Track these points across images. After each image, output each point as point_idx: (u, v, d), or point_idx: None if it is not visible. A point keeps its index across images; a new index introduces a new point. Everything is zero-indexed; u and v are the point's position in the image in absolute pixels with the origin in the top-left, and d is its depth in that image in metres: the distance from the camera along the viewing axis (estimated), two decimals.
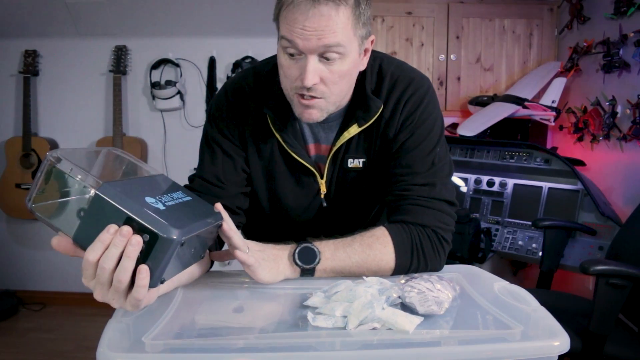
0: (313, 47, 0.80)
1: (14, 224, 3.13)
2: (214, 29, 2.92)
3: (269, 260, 0.81)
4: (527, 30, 2.74)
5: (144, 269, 0.60)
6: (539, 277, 2.08)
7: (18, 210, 2.93)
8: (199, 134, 1.07)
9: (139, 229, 0.59)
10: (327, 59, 0.82)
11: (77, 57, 3.01)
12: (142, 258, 0.60)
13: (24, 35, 2.96)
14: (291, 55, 0.83)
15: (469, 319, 0.69)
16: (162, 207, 0.63)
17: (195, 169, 1.03)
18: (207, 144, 1.00)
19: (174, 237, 0.59)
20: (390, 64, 0.98)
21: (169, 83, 2.93)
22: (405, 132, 0.95)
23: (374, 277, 0.79)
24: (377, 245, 0.87)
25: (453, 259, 2.16)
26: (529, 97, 2.52)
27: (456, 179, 2.59)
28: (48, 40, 2.98)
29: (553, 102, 2.51)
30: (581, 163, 2.41)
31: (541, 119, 2.54)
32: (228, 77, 2.94)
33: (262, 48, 2.93)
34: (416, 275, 0.79)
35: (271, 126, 0.96)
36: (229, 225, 0.76)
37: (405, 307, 0.70)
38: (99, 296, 0.63)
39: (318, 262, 0.84)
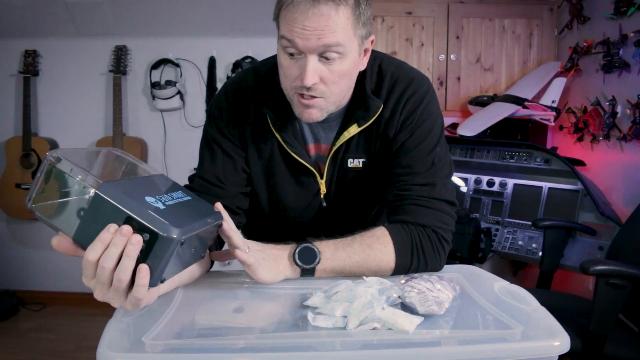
0: (313, 47, 0.80)
1: (14, 224, 3.13)
2: (214, 29, 2.92)
3: (269, 260, 0.81)
4: (527, 30, 2.74)
5: (144, 268, 0.60)
6: (539, 277, 2.08)
7: (18, 210, 2.93)
8: (199, 134, 1.07)
9: (139, 228, 0.59)
10: (327, 59, 0.82)
11: (77, 57, 3.01)
12: (142, 257, 0.60)
13: (24, 35, 2.96)
14: (291, 54, 0.83)
15: (469, 319, 0.69)
16: (162, 207, 0.63)
17: (195, 169, 1.03)
18: (207, 144, 1.00)
19: (174, 236, 0.59)
20: (390, 64, 0.98)
21: (169, 83, 2.93)
22: (405, 132, 0.95)
23: (374, 277, 0.79)
24: (377, 245, 0.87)
25: (453, 259, 2.16)
26: (529, 97, 2.52)
27: (456, 179, 2.59)
28: (48, 40, 2.98)
29: (553, 102, 2.51)
30: (581, 163, 2.41)
31: (541, 119, 2.54)
32: (228, 77, 2.94)
33: (262, 48, 2.93)
34: (416, 275, 0.79)
35: (271, 126, 0.96)
36: (229, 224, 0.76)
37: (405, 307, 0.70)
38: (99, 296, 0.63)
39: (318, 262, 0.84)
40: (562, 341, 0.60)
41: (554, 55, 2.76)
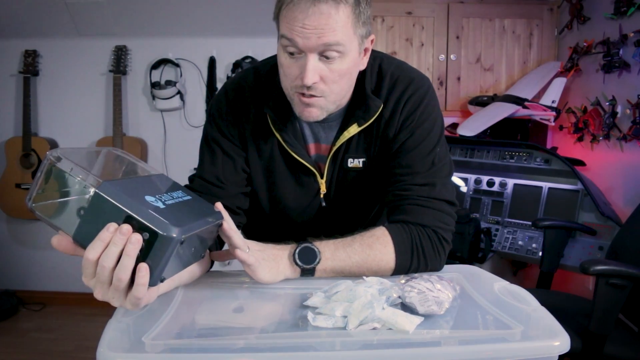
0: (313, 46, 0.80)
1: (14, 224, 3.13)
2: (214, 29, 2.92)
3: (269, 260, 0.81)
4: (527, 30, 2.74)
5: (143, 267, 0.60)
6: (539, 277, 2.08)
7: (18, 210, 2.93)
8: (199, 134, 1.07)
9: (138, 228, 0.59)
10: (327, 58, 0.82)
11: (77, 57, 3.01)
12: (142, 256, 0.60)
13: (24, 35, 2.96)
14: (291, 54, 0.83)
15: (469, 319, 0.69)
16: (162, 206, 0.63)
17: (195, 169, 1.03)
18: (207, 144, 1.00)
19: (174, 236, 0.59)
20: (390, 64, 0.98)
21: (169, 83, 2.93)
22: (405, 132, 0.95)
23: (374, 277, 0.78)
24: (377, 245, 0.87)
25: (453, 259, 2.16)
26: (529, 97, 2.52)
27: (456, 179, 2.59)
28: (48, 40, 2.98)
29: (553, 102, 2.51)
30: (581, 163, 2.41)
31: (541, 119, 2.54)
32: (228, 77, 2.94)
33: (262, 48, 2.93)
34: (416, 275, 0.79)
35: (271, 126, 0.96)
36: (229, 224, 0.76)
37: (405, 307, 0.70)
38: (99, 295, 0.63)
39: (318, 262, 0.84)
40: (562, 341, 0.60)
41: (554, 55, 2.76)
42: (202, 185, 0.97)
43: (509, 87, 2.74)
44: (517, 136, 2.70)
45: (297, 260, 0.83)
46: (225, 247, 0.83)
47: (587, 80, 2.45)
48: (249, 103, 0.98)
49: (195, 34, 2.95)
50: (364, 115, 0.94)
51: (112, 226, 0.59)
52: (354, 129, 0.95)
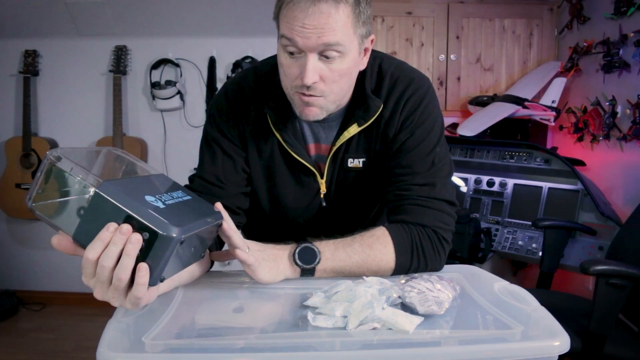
0: (313, 45, 0.80)
1: (14, 224, 3.13)
2: (214, 29, 2.92)
3: (269, 260, 0.81)
4: (527, 30, 2.74)
5: (143, 267, 0.60)
6: (539, 277, 2.08)
7: (18, 210, 2.93)
8: (199, 134, 1.07)
9: (138, 227, 0.59)
10: (327, 58, 0.82)
11: (77, 57, 3.01)
12: (142, 256, 0.60)
13: (24, 35, 2.96)
14: (291, 53, 0.83)
15: (469, 319, 0.69)
16: (161, 206, 0.63)
17: (195, 169, 1.03)
18: (207, 144, 1.00)
19: (174, 235, 0.59)
20: (390, 64, 0.98)
21: (169, 83, 2.93)
22: (405, 132, 0.95)
23: (374, 277, 0.78)
24: (377, 245, 0.87)
25: (453, 259, 2.16)
26: (529, 97, 2.52)
27: (456, 179, 2.59)
28: (48, 40, 2.98)
29: (553, 102, 2.51)
30: (581, 163, 2.41)
31: (541, 119, 2.54)
32: (228, 77, 2.94)
33: (262, 48, 2.93)
34: (416, 275, 0.79)
35: (271, 126, 0.96)
36: (228, 224, 0.76)
37: (405, 307, 0.70)
38: (98, 295, 0.63)
39: (318, 262, 0.84)
40: (562, 341, 0.60)
41: (554, 55, 2.76)
42: (202, 185, 0.97)
43: (509, 87, 2.74)
44: (517, 136, 2.70)
45: (297, 260, 0.83)
46: (225, 247, 0.83)
47: (587, 80, 2.45)
48: (249, 103, 0.98)
49: (195, 34, 2.95)
50: (364, 115, 0.94)
51: (112, 226, 0.59)
52: (354, 129, 0.95)
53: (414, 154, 0.94)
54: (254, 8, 2.75)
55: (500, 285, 0.79)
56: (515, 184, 2.46)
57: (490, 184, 2.51)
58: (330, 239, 0.88)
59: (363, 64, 0.92)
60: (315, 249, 0.84)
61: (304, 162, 0.98)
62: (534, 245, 2.29)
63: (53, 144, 3.00)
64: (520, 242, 2.34)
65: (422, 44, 2.76)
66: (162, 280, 0.64)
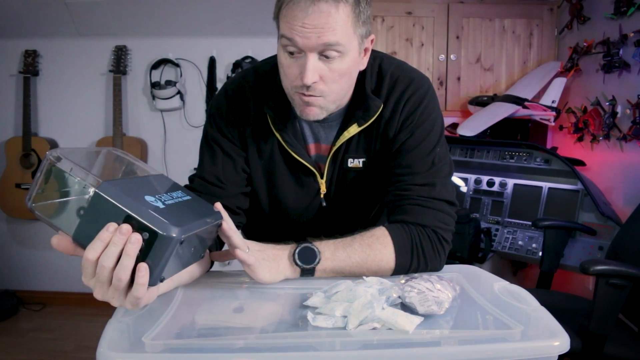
0: (313, 45, 0.80)
1: (14, 224, 3.13)
2: (214, 29, 2.92)
3: (269, 260, 0.81)
4: (527, 30, 2.74)
5: (143, 267, 0.60)
6: (539, 277, 2.08)
7: (18, 210, 2.93)
8: (199, 134, 1.07)
9: (138, 227, 0.59)
10: (327, 57, 0.82)
11: (77, 57, 3.01)
12: (142, 256, 0.60)
13: (24, 35, 2.96)
14: (291, 53, 0.83)
15: (469, 319, 0.69)
16: (161, 206, 0.63)
17: (195, 169, 1.03)
18: (207, 144, 1.00)
19: (174, 235, 0.59)
20: (390, 64, 0.98)
21: (169, 83, 2.93)
22: (405, 132, 0.95)
23: (374, 277, 0.78)
24: (377, 245, 0.87)
25: (453, 259, 2.16)
26: (529, 97, 2.52)
27: (456, 179, 2.59)
28: (48, 40, 2.97)
29: (553, 102, 2.51)
30: (581, 163, 2.41)
31: (541, 119, 2.54)
32: (228, 77, 2.94)
33: (262, 48, 2.93)
34: (416, 275, 0.79)
35: (271, 126, 0.96)
36: (228, 224, 0.76)
37: (405, 307, 0.70)
38: (98, 295, 0.63)
39: (318, 262, 0.84)
40: (561, 341, 0.60)
41: (554, 55, 2.76)
42: (202, 185, 0.97)
43: (509, 87, 2.74)
44: (517, 136, 2.70)
45: (297, 260, 0.83)
46: (225, 247, 0.83)
47: (587, 80, 2.45)
48: (249, 103, 0.98)
49: (195, 34, 2.95)
50: (364, 115, 0.94)
51: (111, 226, 0.59)
52: (354, 129, 0.95)
53: (414, 154, 0.94)
54: (254, 8, 2.75)
55: (500, 285, 0.79)
56: (515, 184, 2.46)
57: (490, 184, 2.51)
58: (330, 239, 0.88)
59: (363, 64, 0.92)
60: (315, 249, 0.84)
61: (304, 162, 0.98)
62: (534, 245, 2.29)
63: (53, 144, 3.00)
64: (520, 242, 2.34)
65: (422, 44, 2.76)
66: (162, 280, 0.64)
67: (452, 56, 2.75)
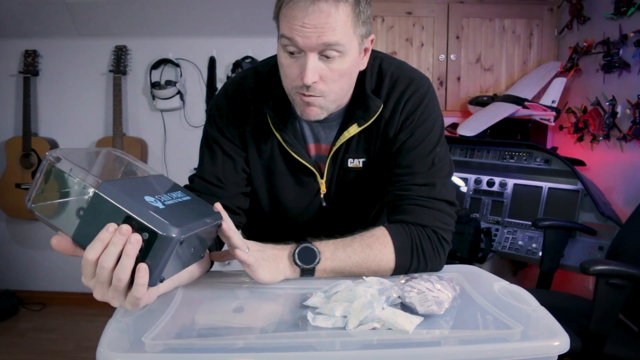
0: (313, 45, 0.80)
1: (14, 224, 3.13)
2: (214, 29, 2.92)
3: (269, 260, 0.81)
4: (527, 30, 2.74)
5: (143, 268, 0.60)
6: (539, 277, 2.08)
7: (18, 210, 2.93)
8: (199, 134, 1.07)
9: (138, 228, 0.59)
10: (327, 57, 0.82)
11: (77, 57, 3.01)
12: (142, 257, 0.60)
13: (24, 35, 2.96)
14: (291, 53, 0.83)
15: (469, 319, 0.69)
16: (161, 206, 0.63)
17: (195, 169, 1.03)
18: (207, 144, 1.00)
19: (173, 236, 0.59)
20: (390, 64, 0.98)
21: (169, 83, 2.93)
22: (405, 132, 0.95)
23: (374, 277, 0.78)
24: (377, 245, 0.87)
25: (453, 259, 2.16)
26: (529, 97, 2.52)
27: (456, 179, 2.59)
28: (48, 40, 2.98)
29: (553, 102, 2.51)
30: (581, 163, 2.41)
31: (541, 119, 2.54)
32: (228, 77, 2.94)
33: (262, 48, 2.93)
34: (416, 275, 0.79)
35: (271, 126, 0.96)
36: (228, 225, 0.76)
37: (405, 307, 0.70)
38: (98, 295, 0.63)
39: (318, 262, 0.84)
40: (561, 341, 0.60)
41: (554, 55, 2.76)
42: (202, 185, 0.97)
43: (509, 87, 2.74)
44: (517, 136, 2.70)
45: (297, 260, 0.83)
46: (225, 247, 0.83)
47: (587, 80, 2.45)
48: (249, 103, 0.98)
49: (195, 34, 2.95)
50: (364, 115, 0.94)
51: (111, 226, 0.59)
52: (354, 129, 0.95)
53: (414, 154, 0.94)
54: (254, 8, 2.75)
55: (500, 285, 0.79)
56: (515, 184, 2.46)
57: (490, 184, 2.51)
58: (330, 239, 0.88)
59: (363, 64, 0.92)
60: (315, 249, 0.84)
61: (304, 162, 0.98)
62: (534, 245, 2.29)
63: (53, 144, 3.00)
64: (520, 242, 2.34)
65: (422, 44, 2.76)
66: (161, 281, 0.64)
67: (452, 56, 2.75)
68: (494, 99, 2.62)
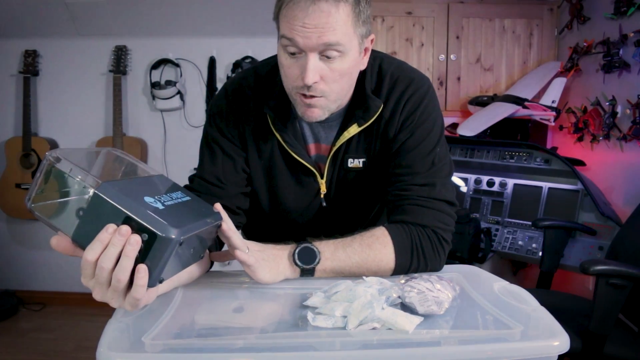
0: (313, 45, 0.80)
1: (14, 224, 3.13)
2: (214, 29, 2.92)
3: (269, 260, 0.81)
4: (527, 30, 2.74)
5: (142, 269, 0.60)
6: (539, 277, 2.08)
7: (18, 210, 2.93)
8: (199, 134, 1.07)
9: (137, 229, 0.59)
10: (328, 57, 0.82)
11: (77, 57, 3.01)
12: (141, 257, 0.60)
13: (24, 35, 2.96)
14: (292, 54, 0.83)
15: (469, 319, 0.69)
16: (161, 207, 0.63)
17: (195, 169, 1.03)
18: (207, 144, 1.00)
19: (173, 237, 0.59)
20: (390, 64, 0.98)
21: (169, 83, 2.93)
22: (405, 132, 0.95)
23: (374, 277, 0.78)
24: (377, 245, 0.87)
25: (453, 259, 2.16)
26: (529, 97, 2.52)
27: (456, 179, 2.59)
28: (48, 40, 2.98)
29: (553, 102, 2.51)
30: (581, 163, 2.41)
31: (541, 119, 2.54)
32: (228, 77, 2.94)
33: (262, 48, 2.93)
34: (416, 275, 0.79)
35: (271, 126, 0.96)
36: (228, 225, 0.76)
37: (405, 307, 0.70)
38: (97, 296, 0.63)
39: (318, 262, 0.84)
40: (561, 341, 0.60)
41: (554, 55, 2.75)
42: (202, 185, 0.97)
43: (509, 87, 2.73)
44: (517, 136, 2.70)
45: (297, 261, 0.83)
46: (225, 247, 0.83)
47: (587, 80, 2.45)
48: (249, 103, 0.98)
49: (195, 34, 2.95)
50: (364, 115, 0.94)
51: (111, 227, 0.59)
52: (354, 129, 0.95)
53: (414, 154, 0.94)
54: (254, 8, 2.75)
55: (500, 285, 0.79)
56: (515, 184, 2.46)
57: (490, 184, 2.51)
58: (330, 239, 0.88)
59: (363, 64, 0.92)
60: (315, 249, 0.84)
61: (304, 163, 0.98)
62: (534, 245, 2.29)
63: (53, 144, 3.00)
64: (520, 242, 2.34)
65: (422, 44, 2.76)
66: (161, 282, 0.64)
67: (452, 56, 2.75)
68: (494, 99, 2.62)
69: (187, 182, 1.01)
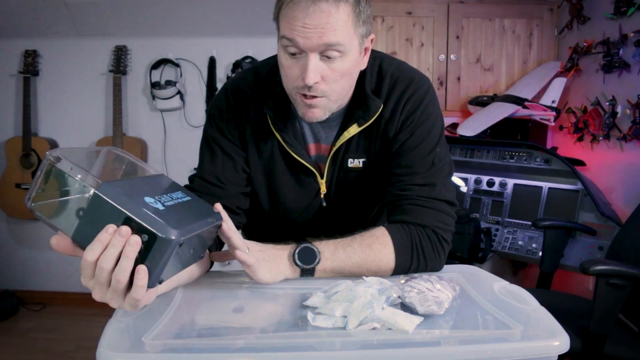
0: (314, 45, 0.80)
1: (14, 224, 3.13)
2: (214, 29, 2.92)
3: (269, 260, 0.81)
4: (527, 30, 2.74)
5: (142, 269, 0.60)
6: (539, 277, 2.08)
7: (18, 210, 2.93)
8: (199, 134, 1.07)
9: (137, 229, 0.59)
10: (328, 57, 0.82)
11: (77, 57, 3.01)
12: (141, 258, 0.60)
13: (24, 35, 2.96)
14: (292, 54, 0.83)
15: (469, 319, 0.69)
16: (161, 207, 0.63)
17: (195, 169, 1.03)
18: (207, 144, 1.00)
19: (173, 238, 0.59)
20: (390, 64, 0.98)
21: (169, 83, 2.93)
22: (405, 132, 0.95)
23: (374, 277, 0.78)
24: (377, 245, 0.87)
25: (453, 259, 2.16)
26: (529, 97, 2.52)
27: (456, 179, 2.59)
28: (48, 40, 2.98)
29: (553, 102, 2.51)
30: (581, 163, 2.41)
31: (541, 119, 2.54)
32: (228, 77, 2.94)
33: (262, 48, 2.93)
34: (416, 275, 0.79)
35: (271, 126, 0.96)
36: (228, 225, 0.76)
37: (405, 307, 0.70)
38: (97, 296, 0.63)
39: (318, 262, 0.84)
40: (561, 341, 0.60)
41: (554, 55, 2.75)
42: (202, 185, 0.97)
43: (509, 87, 2.73)
44: (517, 136, 2.70)
45: (297, 261, 0.83)
46: (225, 247, 0.83)
47: (587, 80, 2.45)
48: (249, 103, 0.98)
49: (195, 34, 2.95)
50: (364, 115, 0.94)
51: (111, 227, 0.59)
52: (354, 129, 0.95)
53: (414, 154, 0.94)
54: (254, 8, 2.75)
55: (500, 285, 0.79)
56: (515, 184, 2.46)
57: (490, 184, 2.51)
58: (330, 239, 0.88)
59: (363, 64, 0.92)
60: (315, 249, 0.84)
61: (303, 163, 0.98)
62: (534, 245, 2.29)
63: (53, 144, 3.00)
64: (520, 242, 2.34)
65: (422, 44, 2.76)
66: (160, 282, 0.64)
67: (452, 56, 2.75)
68: (494, 99, 2.62)
69: (187, 182, 1.01)
